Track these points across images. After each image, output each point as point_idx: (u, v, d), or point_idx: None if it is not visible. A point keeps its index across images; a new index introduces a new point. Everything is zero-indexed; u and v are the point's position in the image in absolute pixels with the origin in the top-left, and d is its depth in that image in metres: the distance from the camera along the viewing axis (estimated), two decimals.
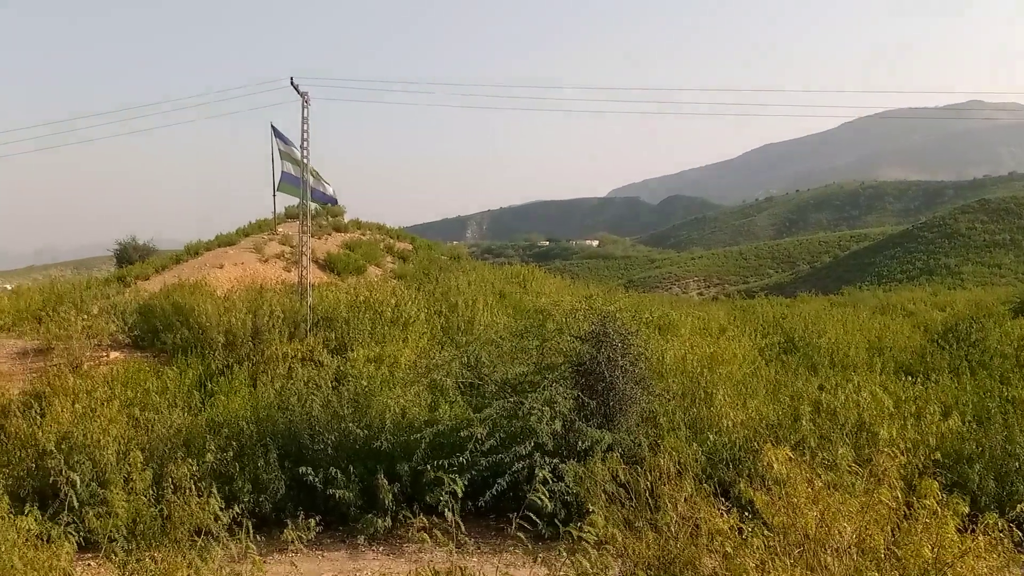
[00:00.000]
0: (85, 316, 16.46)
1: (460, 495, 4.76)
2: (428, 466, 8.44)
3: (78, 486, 7.72)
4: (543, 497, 4.65)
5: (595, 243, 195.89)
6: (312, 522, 7.94)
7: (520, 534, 4.50)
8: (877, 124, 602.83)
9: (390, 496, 8.32)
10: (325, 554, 7.87)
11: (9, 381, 13.69)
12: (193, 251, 28.96)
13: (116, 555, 6.20)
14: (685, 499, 5.83)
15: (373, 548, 8.16)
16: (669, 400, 10.07)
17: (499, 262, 53.34)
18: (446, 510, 4.79)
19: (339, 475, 8.53)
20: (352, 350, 14.20)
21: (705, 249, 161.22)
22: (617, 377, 9.14)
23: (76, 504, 7.60)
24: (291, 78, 17.91)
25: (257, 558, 5.50)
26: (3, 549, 6.11)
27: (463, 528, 4.64)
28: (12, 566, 5.86)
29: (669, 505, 5.72)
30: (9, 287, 34.92)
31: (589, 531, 4.45)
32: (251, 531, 6.15)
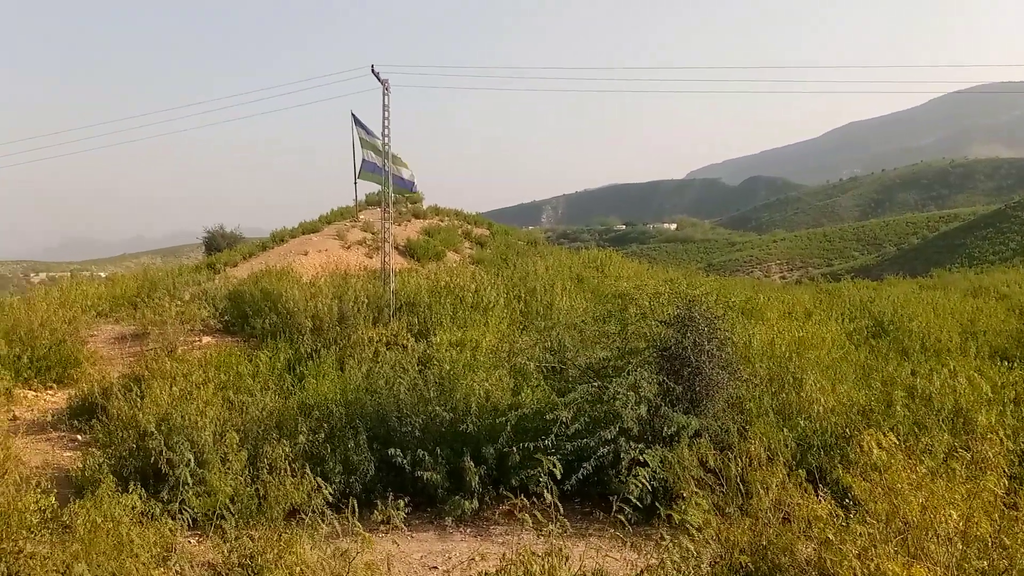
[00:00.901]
0: (178, 302, 17.07)
1: (559, 476, 4.77)
2: (514, 449, 8.53)
3: (191, 465, 7.99)
4: (643, 481, 4.65)
5: (673, 226, 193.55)
6: (401, 503, 8.12)
7: (620, 516, 4.50)
8: (966, 101, 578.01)
9: (476, 478, 8.42)
10: (414, 535, 8.01)
11: (110, 365, 14.30)
12: (278, 238, 29.70)
13: (224, 532, 6.41)
14: (777, 485, 5.76)
15: (461, 530, 8.27)
16: (756, 385, 9.92)
17: (575, 247, 53.16)
18: (544, 491, 4.81)
19: (426, 457, 8.67)
20: (434, 334, 14.37)
21: (787, 231, 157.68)
22: (703, 362, 9.05)
23: (180, 483, 7.91)
24: (372, 66, 18.13)
25: (367, 535, 5.64)
26: (111, 525, 6.40)
27: (561, 509, 4.66)
28: (130, 540, 6.13)
29: (761, 491, 5.66)
30: (104, 275, 36.38)
31: (692, 514, 4.43)
32: (355, 510, 6.31)
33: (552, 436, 8.38)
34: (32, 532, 6.63)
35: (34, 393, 13.20)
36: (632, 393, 8.58)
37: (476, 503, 8.39)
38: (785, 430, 8.52)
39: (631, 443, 8.33)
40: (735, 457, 6.78)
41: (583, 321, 11.45)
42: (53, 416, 11.98)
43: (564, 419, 8.46)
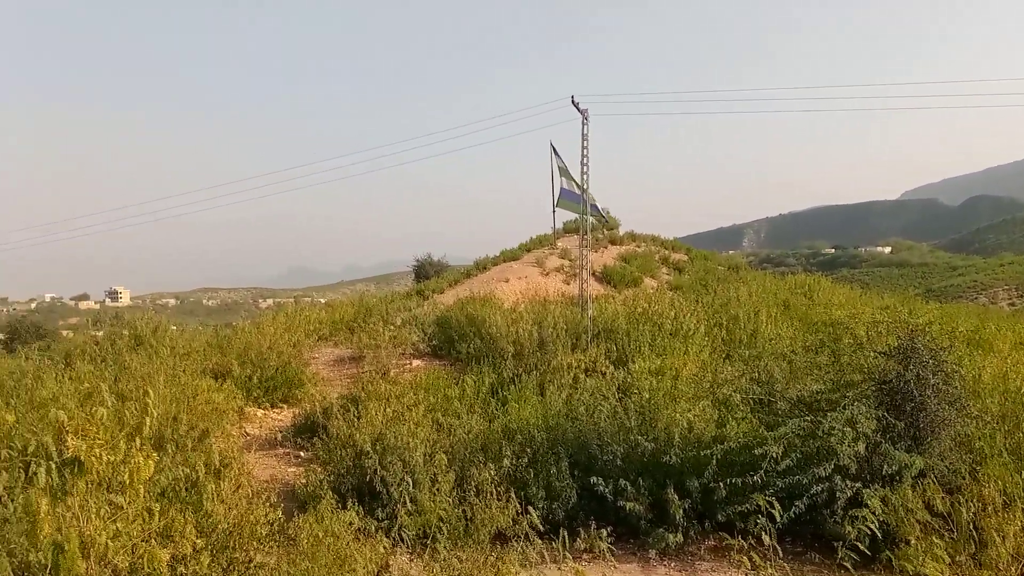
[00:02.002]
0: (391, 327, 17.98)
1: (778, 517, 4.57)
2: (720, 483, 8.28)
3: (407, 486, 8.31)
4: (871, 525, 4.37)
5: (887, 250, 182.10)
6: (604, 532, 8.10)
7: (846, 564, 4.26)
8: None
9: (680, 512, 8.24)
10: (617, 565, 7.94)
11: (329, 386, 15.24)
12: (481, 266, 30.63)
13: (434, 552, 6.62)
14: (1015, 533, 5.25)
15: (664, 563, 8.11)
16: (987, 423, 9.10)
17: (780, 272, 51.14)
18: (759, 531, 4.63)
19: (629, 487, 8.58)
20: (633, 362, 14.26)
21: (1016, 254, 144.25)
22: (928, 396, 8.41)
23: (394, 501, 8.28)
24: (571, 97, 18.41)
25: (579, 567, 5.66)
26: (332, 540, 6.79)
27: (779, 552, 4.47)
28: (349, 556, 6.48)
29: (997, 539, 5.18)
30: (323, 300, 38.94)
31: (930, 565, 4.12)
32: (565, 540, 6.34)
33: (761, 472, 8.06)
34: (261, 543, 7.14)
35: (263, 411, 14.27)
36: (849, 429, 8.11)
37: (680, 537, 8.20)
38: (1022, 473, 7.75)
39: (847, 482, 7.86)
40: (966, 501, 6.26)
41: (792, 351, 10.98)
42: (279, 433, 12.88)
43: (774, 454, 8.11)
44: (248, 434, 12.76)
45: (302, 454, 11.78)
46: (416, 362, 16.87)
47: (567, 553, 6.24)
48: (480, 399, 12.53)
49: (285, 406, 14.59)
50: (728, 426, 9.76)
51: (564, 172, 19.94)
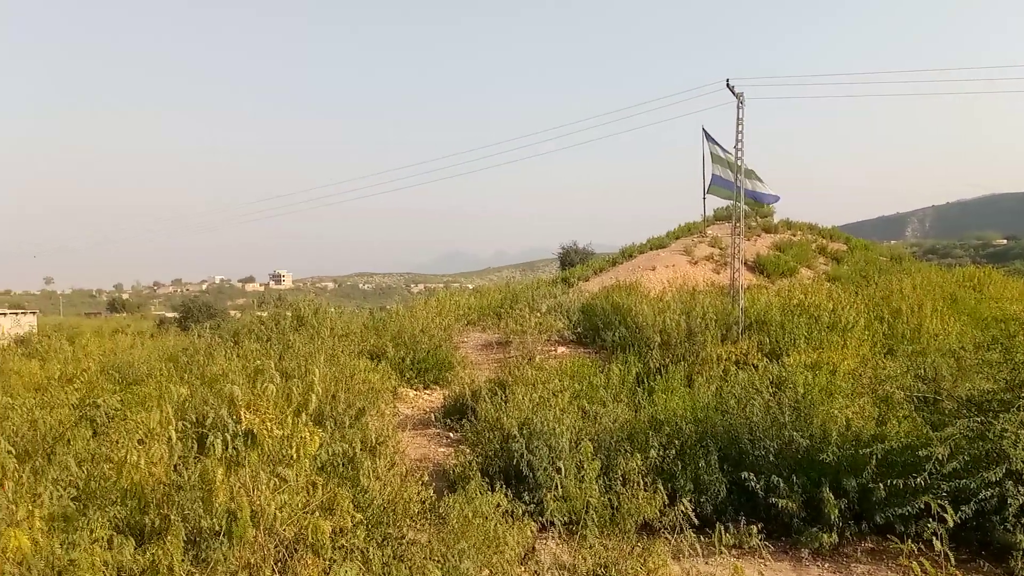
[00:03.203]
0: (537, 314, 18.13)
1: (951, 523, 4.34)
2: (879, 484, 7.92)
3: (554, 471, 8.38)
4: None
5: None
6: (754, 529, 7.90)
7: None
8: None
9: (836, 511, 7.93)
10: (767, 564, 7.73)
11: (478, 369, 15.55)
12: (627, 254, 30.42)
13: (579, 538, 6.65)
14: None
15: (818, 564, 7.83)
16: None
17: (945, 263, 48.11)
18: (927, 535, 4.40)
19: (781, 484, 8.33)
20: (787, 355, 13.81)
21: None
22: None
23: (540, 486, 8.37)
24: (727, 80, 17.94)
25: (737, 564, 5.57)
26: (480, 521, 6.92)
27: (952, 559, 4.24)
28: (497, 537, 6.60)
29: None
30: (471, 286, 39.72)
31: None
32: (721, 534, 6.23)
33: (924, 474, 7.64)
34: (413, 520, 7.37)
35: (415, 392, 14.74)
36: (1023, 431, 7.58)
37: (835, 537, 7.89)
38: None
39: (1021, 488, 7.35)
40: None
41: (960, 347, 10.33)
42: (429, 414, 13.27)
43: (939, 456, 7.68)
44: (401, 414, 13.20)
45: (451, 435, 12.08)
46: (561, 349, 16.96)
47: (722, 548, 6.11)
48: (626, 388, 12.46)
49: (436, 387, 15.00)
50: (889, 425, 9.31)
51: (716, 158, 19.51)
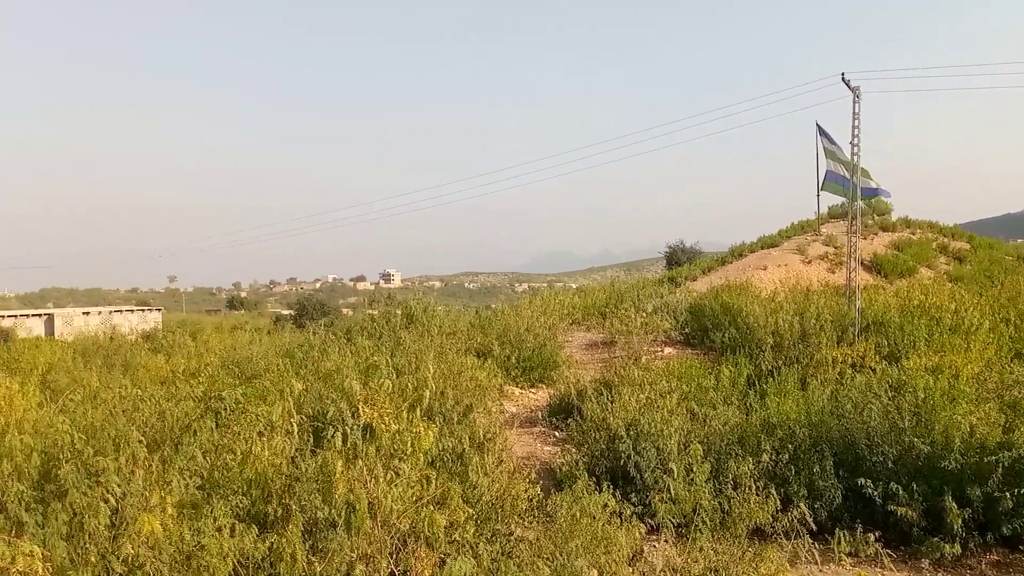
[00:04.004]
0: (643, 314, 17.99)
1: None
2: (1006, 493, 7.56)
3: (664, 473, 8.29)
4: None
5: None
6: (871, 537, 7.64)
7: None
8: None
9: (959, 521, 7.60)
10: (886, 573, 7.46)
11: (583, 369, 15.54)
12: (737, 253, 29.83)
13: (688, 541, 6.58)
14: None
15: (939, 575, 7.53)
16: None
17: None
18: None
19: (900, 491, 8.03)
20: (906, 358, 13.29)
21: None
22: None
23: (648, 487, 8.31)
24: (842, 74, 17.38)
25: (861, 571, 5.42)
26: (588, 520, 6.92)
27: None
28: (605, 537, 6.60)
29: None
30: (575, 286, 39.69)
31: None
32: (840, 540, 6.07)
33: None
34: (521, 518, 7.43)
35: (520, 390, 14.83)
36: None
37: (958, 548, 7.56)
38: None
39: None
40: None
41: None
42: (535, 412, 13.33)
43: None
44: (507, 411, 13.30)
45: (557, 434, 12.10)
46: (668, 349, 16.77)
47: (841, 555, 5.94)
48: (737, 390, 12.23)
49: (542, 386, 15.06)
50: (1017, 432, 8.85)
51: (831, 154, 18.94)
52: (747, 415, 10.59)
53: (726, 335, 15.69)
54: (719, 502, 7.96)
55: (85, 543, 5.47)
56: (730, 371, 13.02)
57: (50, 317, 63.00)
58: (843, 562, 6.99)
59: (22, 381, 17.54)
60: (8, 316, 62.34)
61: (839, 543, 6.19)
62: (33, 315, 64.22)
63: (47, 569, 4.96)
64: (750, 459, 8.34)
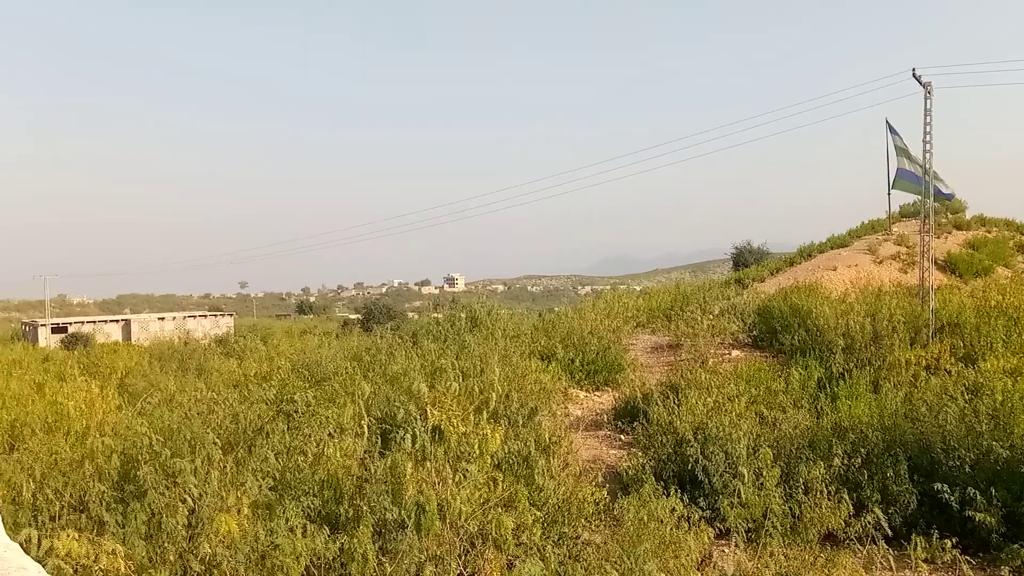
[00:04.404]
0: (709, 316, 17.78)
1: None
2: None
3: (748, 478, 8.16)
4: None
5: None
6: (948, 543, 7.43)
7: None
8: None
9: None
10: None
11: (648, 372, 15.43)
12: (805, 253, 29.26)
13: (758, 545, 6.51)
14: None
15: None
16: None
17: None
18: None
19: (978, 496, 7.81)
20: (983, 360, 12.89)
21: None
22: None
23: (716, 491, 8.22)
24: (912, 69, 16.94)
25: None
26: (656, 525, 6.88)
27: None
28: (673, 541, 6.56)
29: None
30: (638, 288, 39.42)
31: None
32: (916, 546, 5.93)
33: None
34: (588, 521, 7.43)
35: (584, 393, 14.81)
36: None
37: None
38: None
39: None
40: None
41: None
42: (600, 415, 13.29)
43: None
44: (571, 414, 13.29)
45: (622, 437, 12.05)
46: (735, 352, 16.55)
47: (918, 561, 5.80)
48: (807, 393, 12.02)
49: (606, 389, 15.01)
50: None
51: (902, 151, 18.50)
52: (818, 419, 10.42)
53: (795, 337, 15.42)
54: (789, 507, 7.85)
55: (163, 542, 5.66)
56: (800, 374, 12.80)
57: (127, 322, 65.06)
58: (919, 568, 6.81)
59: (102, 385, 18.17)
60: (88, 322, 64.54)
61: (915, 549, 6.03)
62: (111, 321, 66.43)
63: (128, 567, 5.14)
64: (821, 463, 8.21)
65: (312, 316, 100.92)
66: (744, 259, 35.95)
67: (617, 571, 5.84)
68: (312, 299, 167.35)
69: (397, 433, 6.05)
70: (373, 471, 6.33)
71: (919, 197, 18.64)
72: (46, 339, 56.63)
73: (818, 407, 11.11)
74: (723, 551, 7.94)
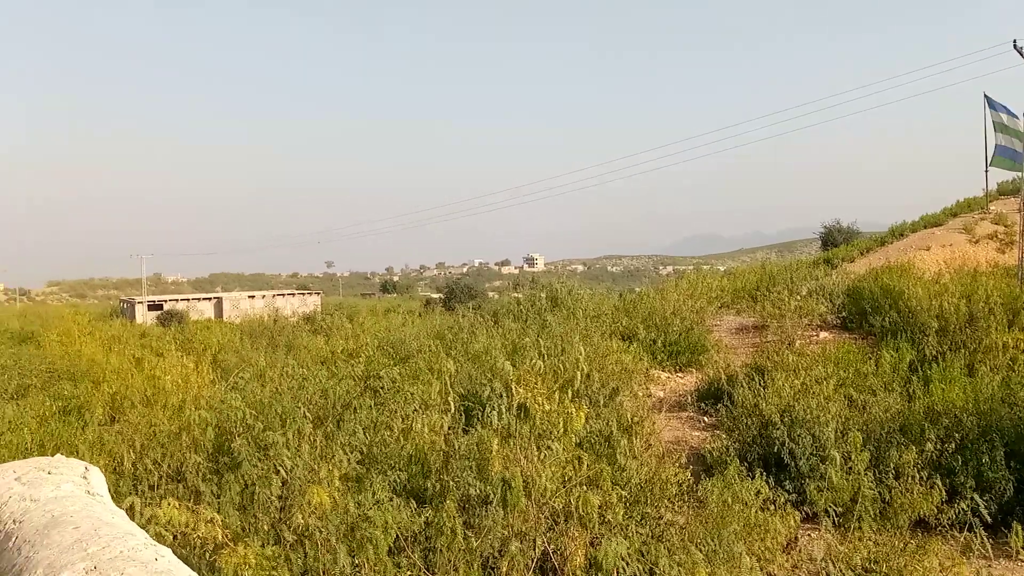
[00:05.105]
0: (796, 297, 17.41)
1: None
2: None
3: (837, 462, 8.04)
4: None
5: None
6: None
7: None
8: None
9: None
10: None
11: (732, 353, 15.23)
12: (897, 232, 28.37)
13: (845, 530, 6.40)
14: None
15: None
16: None
17: None
18: None
19: None
20: None
21: None
22: None
23: (802, 475, 8.09)
24: (1014, 41, 16.19)
25: None
26: (740, 507, 6.82)
27: None
28: (758, 524, 6.50)
29: None
30: (722, 268, 38.81)
31: None
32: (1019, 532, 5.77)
33: None
34: (671, 502, 7.40)
35: (667, 374, 14.70)
36: None
37: None
38: None
39: None
40: None
41: None
42: (683, 397, 13.19)
43: None
44: (653, 395, 13.22)
45: (706, 419, 11.94)
46: (823, 334, 16.17)
47: (1019, 549, 5.62)
48: (898, 376, 11.68)
49: (690, 370, 14.87)
50: None
51: (1001, 127, 17.74)
52: (909, 402, 10.14)
53: (886, 319, 14.98)
54: (879, 492, 7.68)
55: (256, 512, 5.88)
56: (891, 356, 12.44)
57: (219, 300, 67.21)
58: (1020, 556, 6.59)
59: (196, 360, 18.87)
60: (182, 299, 66.93)
61: (1016, 536, 5.82)
62: (204, 298, 68.69)
63: (225, 536, 5.36)
64: (913, 448, 8.00)
65: (395, 295, 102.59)
66: (833, 239, 35.03)
67: (701, 552, 5.82)
68: (395, 278, 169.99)
69: (482, 410, 6.14)
70: (457, 447, 6.44)
71: (1018, 175, 17.86)
72: (143, 316, 59.01)
73: (910, 390, 10.79)
74: (809, 535, 7.82)
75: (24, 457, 6.99)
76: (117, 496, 5.80)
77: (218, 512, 5.55)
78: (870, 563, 6.35)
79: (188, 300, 66.70)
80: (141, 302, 64.01)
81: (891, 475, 7.72)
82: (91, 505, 1.94)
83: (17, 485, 2.07)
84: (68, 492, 2.04)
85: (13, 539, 1.77)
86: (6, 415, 12.74)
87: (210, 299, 68.12)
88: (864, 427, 8.99)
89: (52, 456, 2.38)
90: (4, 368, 19.96)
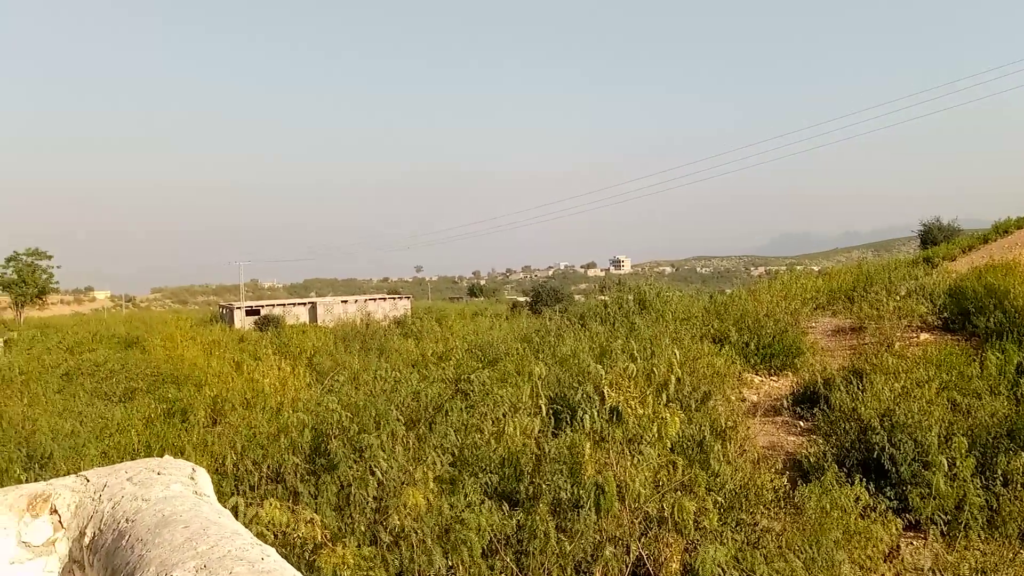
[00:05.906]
0: (895, 297, 16.87)
1: None
2: None
3: (944, 467, 7.79)
4: None
5: None
6: None
7: None
8: None
9: None
10: None
11: (829, 356, 14.85)
12: (1001, 230, 27.23)
13: (949, 538, 6.20)
14: None
15: None
16: None
17: None
18: None
19: None
20: None
21: None
22: None
23: (904, 481, 7.85)
24: None
25: None
26: (839, 514, 6.67)
27: None
28: (859, 532, 6.35)
29: None
30: (816, 269, 37.85)
31: None
32: None
33: None
34: (767, 508, 7.28)
35: (759, 378, 14.43)
36: None
37: None
38: None
39: None
40: None
41: None
42: (777, 401, 12.92)
43: None
44: (747, 400, 13.00)
45: (802, 423, 11.68)
46: (924, 335, 15.62)
47: None
48: (1005, 379, 11.20)
49: (785, 373, 14.56)
50: None
51: None
52: (1017, 406, 9.72)
53: (991, 319, 14.37)
54: (986, 499, 7.40)
55: (352, 513, 6.03)
56: (997, 358, 11.93)
57: (313, 305, 68.90)
58: None
59: (293, 364, 19.42)
60: (278, 305, 68.91)
61: None
62: (299, 304, 70.54)
63: (324, 536, 5.52)
64: (1022, 454, 7.67)
65: (483, 299, 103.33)
66: (933, 237, 33.76)
67: (800, 560, 5.71)
68: (482, 282, 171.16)
69: (571, 413, 6.16)
70: (548, 450, 6.47)
71: None
72: (241, 321, 60.92)
73: (1017, 394, 10.35)
74: (912, 543, 7.58)
75: (132, 457, 7.33)
76: (220, 496, 6.03)
77: (316, 512, 5.72)
78: (978, 573, 6.13)
79: (284, 305, 68.51)
80: (239, 307, 66.02)
81: (999, 482, 7.42)
82: (199, 505, 2.04)
83: (129, 485, 2.19)
84: (177, 492, 2.14)
85: (127, 537, 1.87)
86: (115, 417, 13.38)
87: (305, 304, 69.85)
88: (969, 432, 8.67)
89: (160, 457, 2.50)
90: (112, 372, 20.96)
